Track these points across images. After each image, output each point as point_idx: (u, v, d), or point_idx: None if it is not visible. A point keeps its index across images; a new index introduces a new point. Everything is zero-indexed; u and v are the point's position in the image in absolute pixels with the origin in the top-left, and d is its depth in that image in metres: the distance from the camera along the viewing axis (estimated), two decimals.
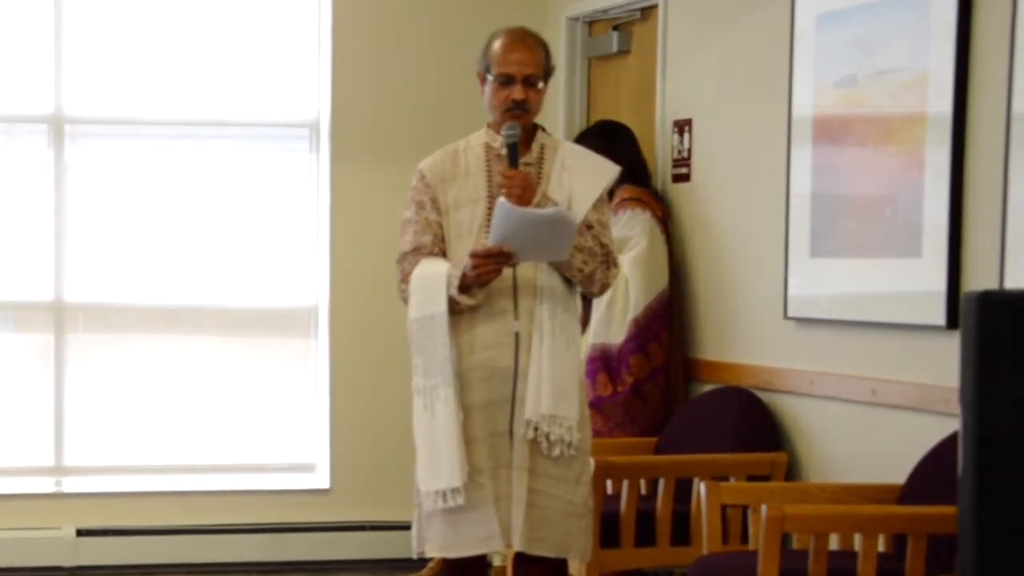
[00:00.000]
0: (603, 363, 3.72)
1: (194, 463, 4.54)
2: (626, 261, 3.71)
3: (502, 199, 2.82)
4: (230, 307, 4.58)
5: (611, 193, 3.63)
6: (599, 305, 3.72)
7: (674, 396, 3.78)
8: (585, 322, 3.70)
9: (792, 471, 3.42)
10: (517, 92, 2.90)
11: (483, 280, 2.85)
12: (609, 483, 3.42)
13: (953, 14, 2.95)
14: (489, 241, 2.83)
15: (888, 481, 3.02)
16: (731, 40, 3.72)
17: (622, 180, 3.56)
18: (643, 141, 3.95)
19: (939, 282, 2.99)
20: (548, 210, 2.82)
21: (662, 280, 3.75)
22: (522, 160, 2.92)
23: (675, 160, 3.94)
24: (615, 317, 3.72)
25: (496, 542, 2.89)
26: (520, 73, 2.91)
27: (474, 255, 2.84)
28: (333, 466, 4.55)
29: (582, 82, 4.39)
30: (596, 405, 3.69)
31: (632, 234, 3.74)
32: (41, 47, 4.40)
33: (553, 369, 2.87)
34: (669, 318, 3.76)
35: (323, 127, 4.54)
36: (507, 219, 2.78)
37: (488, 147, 2.97)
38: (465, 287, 2.86)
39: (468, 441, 2.88)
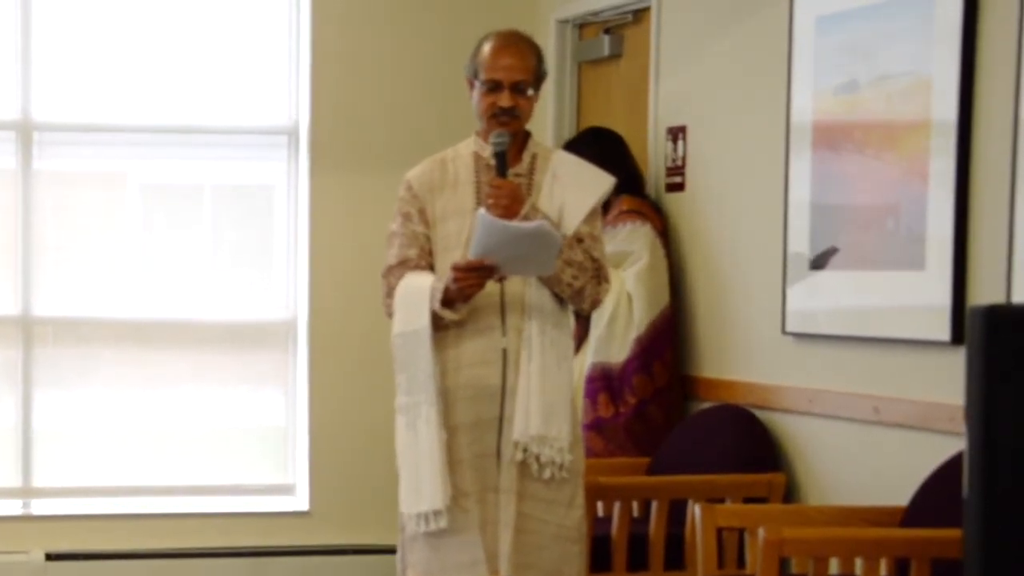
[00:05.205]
0: (604, 383, 3.66)
1: (168, 484, 4.47)
2: (628, 277, 3.67)
3: (482, 211, 2.77)
4: (205, 321, 4.51)
5: (607, 204, 3.56)
6: (599, 323, 3.67)
7: (676, 417, 3.71)
8: (580, 339, 3.65)
9: (790, 492, 3.37)
10: (504, 99, 2.85)
11: (466, 294, 2.80)
12: (600, 505, 3.36)
13: (958, 16, 2.90)
14: (469, 254, 2.78)
15: (890, 503, 2.97)
16: (727, 44, 3.67)
17: (620, 191, 3.51)
18: (635, 149, 3.91)
19: (944, 296, 2.93)
20: (529, 224, 2.76)
21: (664, 296, 3.70)
22: (512, 170, 2.89)
23: (669, 169, 3.88)
24: (616, 335, 3.66)
25: (480, 568, 2.84)
26: (508, 79, 2.86)
27: (455, 268, 2.79)
28: (313, 487, 4.47)
29: (572, 87, 4.35)
30: (596, 427, 3.64)
31: (633, 248, 3.68)
32: (8, 49, 4.32)
33: (543, 388, 2.82)
34: (672, 336, 3.69)
35: (302, 134, 4.48)
36: (487, 232, 2.74)
37: (477, 156, 2.93)
38: (448, 301, 2.81)
39: (453, 463, 2.83)
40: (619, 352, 3.65)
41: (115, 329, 4.44)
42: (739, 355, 3.60)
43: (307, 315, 4.47)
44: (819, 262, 3.30)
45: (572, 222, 2.87)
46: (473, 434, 2.84)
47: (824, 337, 3.29)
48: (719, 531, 2.96)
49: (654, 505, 3.30)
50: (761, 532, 2.64)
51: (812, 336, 3.33)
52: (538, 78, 2.90)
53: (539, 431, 2.80)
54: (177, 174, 4.51)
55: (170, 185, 4.53)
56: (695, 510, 3.00)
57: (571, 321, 3.02)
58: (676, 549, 3.31)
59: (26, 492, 4.38)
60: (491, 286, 2.82)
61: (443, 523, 2.79)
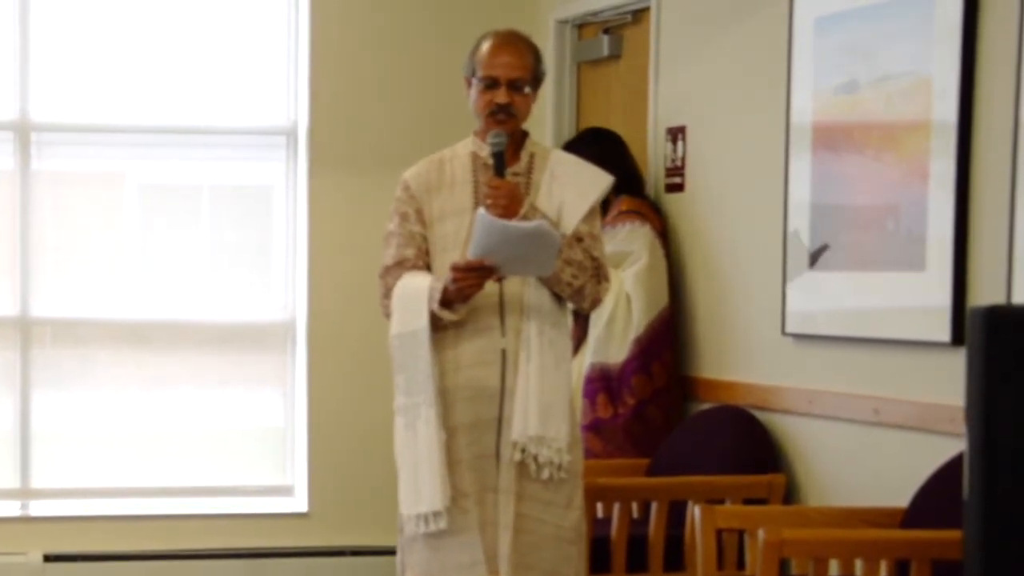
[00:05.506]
0: (603, 383, 3.64)
1: (166, 485, 4.45)
2: (628, 277, 3.66)
3: (481, 211, 2.77)
4: (204, 322, 4.50)
5: (606, 204, 3.55)
6: (598, 323, 3.66)
7: (675, 418, 3.70)
8: (579, 340, 3.64)
9: (790, 494, 3.36)
10: (501, 96, 2.85)
11: (465, 294, 2.79)
12: (600, 506, 3.35)
13: (958, 16, 2.88)
14: (469, 254, 2.77)
15: (890, 504, 2.96)
16: (726, 44, 3.66)
17: (619, 191, 3.51)
18: (635, 149, 3.90)
19: (944, 296, 2.92)
20: (529, 224, 2.75)
21: (663, 297, 3.69)
22: (510, 170, 2.88)
23: (668, 169, 3.87)
24: (615, 335, 3.65)
25: (480, 569, 2.83)
26: (505, 76, 2.86)
27: (455, 268, 2.78)
28: (312, 488, 4.46)
29: (571, 88, 4.34)
30: (595, 427, 3.63)
31: (633, 248, 3.67)
32: (6, 49, 4.31)
33: (541, 388, 2.81)
34: (671, 336, 3.68)
35: (300, 134, 4.47)
36: (487, 232, 2.73)
37: (475, 156, 2.92)
38: (447, 301, 2.80)
39: (452, 463, 2.82)
40: (618, 353, 3.64)
41: (113, 330, 4.43)
42: (739, 356, 3.59)
43: (306, 316, 4.45)
44: (811, 260, 3.29)
45: (571, 221, 2.86)
46: (472, 435, 2.83)
47: (824, 338, 3.28)
48: (719, 532, 2.95)
49: (654, 506, 3.28)
50: (761, 533, 2.63)
51: (812, 337, 3.32)
52: (536, 78, 2.89)
53: (537, 432, 2.79)
54: (175, 174, 4.50)
55: (168, 185, 4.51)
56: (695, 511, 2.98)
57: (569, 321, 3.00)
58: (676, 550, 3.30)
59: (24, 493, 4.37)
60: (490, 286, 2.81)
61: (442, 524, 2.78)
